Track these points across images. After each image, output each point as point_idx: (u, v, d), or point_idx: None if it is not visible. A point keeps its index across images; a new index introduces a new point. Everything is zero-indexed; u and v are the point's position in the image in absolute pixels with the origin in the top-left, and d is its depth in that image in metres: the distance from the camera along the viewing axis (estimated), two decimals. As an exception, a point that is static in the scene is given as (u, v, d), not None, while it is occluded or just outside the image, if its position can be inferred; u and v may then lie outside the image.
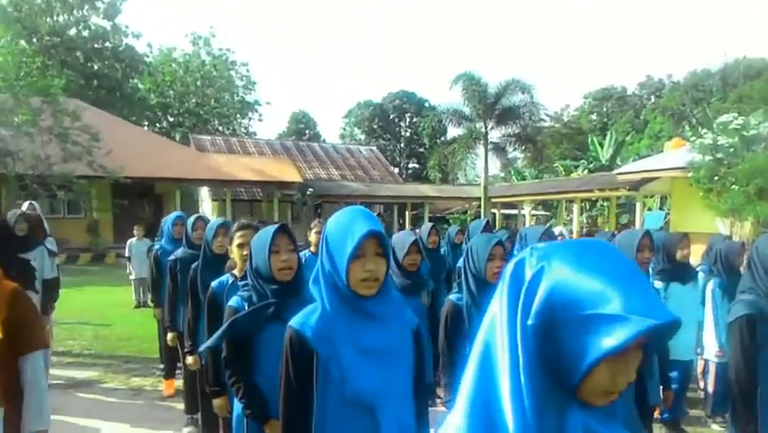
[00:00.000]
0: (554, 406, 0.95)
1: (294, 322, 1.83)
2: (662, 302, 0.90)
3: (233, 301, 2.57)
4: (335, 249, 1.78)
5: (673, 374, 4.84)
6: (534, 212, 30.11)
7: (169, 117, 45.09)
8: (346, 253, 1.74)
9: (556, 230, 6.55)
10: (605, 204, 26.74)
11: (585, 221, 28.75)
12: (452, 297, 3.08)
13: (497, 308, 0.99)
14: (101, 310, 10.64)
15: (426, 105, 48.35)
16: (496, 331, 0.98)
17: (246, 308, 2.48)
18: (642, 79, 50.40)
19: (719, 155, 14.80)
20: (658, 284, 4.81)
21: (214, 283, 3.17)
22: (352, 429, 1.79)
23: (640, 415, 2.51)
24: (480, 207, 25.23)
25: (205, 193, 28.91)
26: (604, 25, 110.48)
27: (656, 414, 5.03)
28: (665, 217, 22.62)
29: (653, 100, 46.39)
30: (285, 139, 39.85)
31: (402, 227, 26.60)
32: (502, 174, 38.44)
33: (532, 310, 0.95)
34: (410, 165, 51.50)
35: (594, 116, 48.91)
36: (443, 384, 3.04)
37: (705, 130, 16.36)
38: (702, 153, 15.14)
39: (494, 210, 28.83)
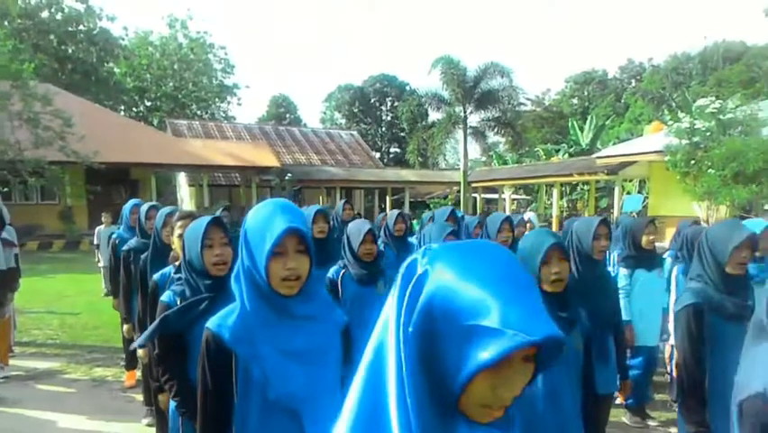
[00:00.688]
0: (439, 417, 0.88)
1: (211, 323, 1.72)
2: (546, 316, 0.82)
3: (165, 296, 2.46)
4: (255, 245, 1.66)
5: (638, 360, 4.83)
6: (514, 196, 30.16)
7: (146, 102, 44.41)
8: (265, 250, 1.63)
9: (526, 216, 6.49)
10: (585, 188, 26.83)
11: (566, 205, 28.87)
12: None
13: (389, 309, 0.92)
14: (70, 299, 10.46)
15: (408, 88, 48.09)
16: (388, 333, 0.91)
17: (178, 303, 2.37)
18: (623, 63, 50.63)
19: (696, 139, 14.86)
20: (623, 271, 4.77)
21: (156, 276, 3.05)
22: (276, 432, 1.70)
23: (587, 405, 2.45)
24: (459, 191, 25.21)
25: (182, 179, 28.56)
26: (585, 9, 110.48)
27: (621, 400, 5.03)
28: (644, 201, 22.76)
29: (633, 84, 46.53)
30: (264, 123, 39.43)
31: (383, 212, 26.53)
32: (484, 159, 38.44)
33: (413, 317, 0.87)
34: (391, 150, 51.27)
35: (575, 100, 48.95)
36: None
37: (683, 114, 16.41)
38: (679, 137, 15.20)
39: (475, 195, 28.83)
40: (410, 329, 0.86)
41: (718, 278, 2.56)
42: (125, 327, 4.68)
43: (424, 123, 27.88)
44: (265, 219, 1.66)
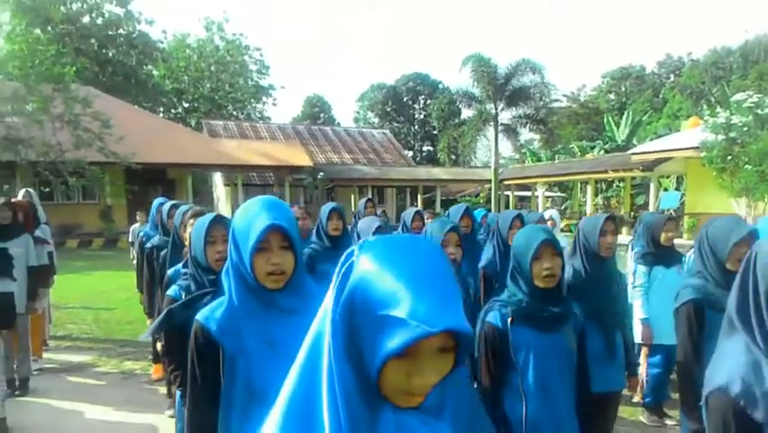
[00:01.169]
0: (366, 404, 0.93)
1: (200, 315, 1.80)
2: (455, 310, 0.86)
3: (171, 291, 2.57)
4: (241, 241, 1.73)
5: (656, 359, 4.78)
6: (548, 193, 29.82)
7: (183, 103, 45.33)
8: (249, 245, 1.70)
9: (546, 214, 6.45)
10: (620, 185, 26.39)
11: (601, 202, 28.42)
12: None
13: (327, 299, 0.98)
14: (106, 295, 10.80)
15: (440, 86, 47.97)
16: (325, 322, 0.97)
17: (183, 297, 2.47)
18: (661, 58, 49.49)
19: (732, 134, 14.51)
20: (642, 268, 4.72)
21: (170, 271, 3.17)
22: (257, 424, 1.77)
23: (582, 402, 2.46)
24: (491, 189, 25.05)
25: (218, 178, 29.10)
26: (622, 3, 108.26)
27: (638, 398, 4.98)
28: (681, 198, 22.27)
29: (672, 79, 45.46)
30: (297, 123, 39.86)
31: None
32: (517, 156, 38.08)
33: (338, 307, 0.93)
34: (424, 148, 51.20)
35: (612, 96, 48.08)
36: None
37: (719, 109, 16.03)
38: (715, 133, 14.87)
39: (507, 192, 28.62)
40: (336, 318, 0.92)
41: (719, 274, 2.53)
42: (148, 321, 4.84)
43: (456, 120, 27.74)
44: (250, 216, 1.72)
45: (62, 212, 21.46)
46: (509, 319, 2.33)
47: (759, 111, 14.19)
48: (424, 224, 5.84)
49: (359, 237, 3.68)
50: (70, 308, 9.31)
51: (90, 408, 4.97)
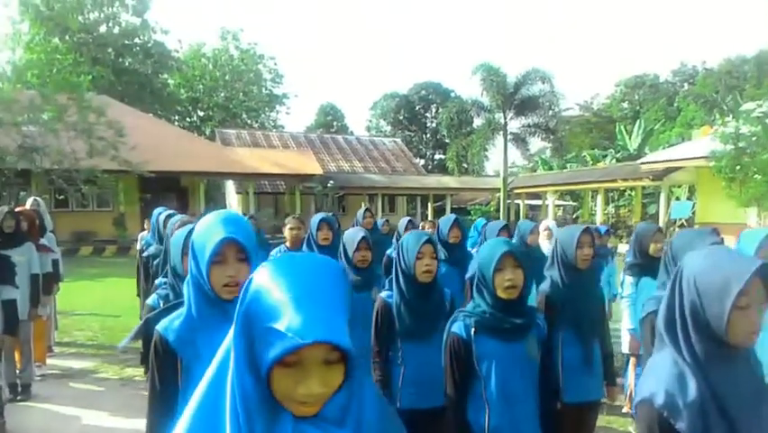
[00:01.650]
0: (266, 411, 1.00)
1: (159, 325, 1.87)
2: (332, 324, 0.92)
3: (151, 300, 2.65)
4: (199, 254, 1.80)
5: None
6: (559, 202, 29.72)
7: (198, 112, 45.80)
8: (206, 258, 1.77)
9: (543, 224, 6.47)
10: (632, 194, 26.25)
11: (613, 211, 28.27)
12: (384, 294, 3.10)
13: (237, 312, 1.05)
14: (114, 301, 10.93)
15: (452, 95, 48.05)
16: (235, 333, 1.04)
17: (161, 305, 2.56)
18: (675, 67, 49.20)
19: (741, 144, 14.40)
20: (629, 279, 4.74)
21: (158, 280, 3.26)
22: None
23: (547, 412, 2.52)
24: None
25: (230, 186, 29.37)
26: (636, 12, 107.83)
27: (628, 408, 4.99)
28: (693, 208, 22.08)
29: (686, 87, 45.16)
30: (309, 132, 40.12)
31: (425, 219, 26.58)
32: (530, 165, 38.00)
33: (238, 317, 1.02)
34: (436, 156, 51.25)
35: (626, 104, 47.85)
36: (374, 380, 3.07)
37: (727, 118, 15.94)
38: (724, 142, 14.76)
39: (518, 201, 28.57)
40: (237, 329, 1.01)
41: (682, 286, 2.57)
42: (145, 328, 4.94)
43: (468, 129, 27.82)
44: (207, 230, 1.80)
45: (77, 219, 21.81)
46: (473, 330, 2.39)
47: (768, 120, 14.08)
48: (390, 229, 5.94)
49: (344, 248, 3.75)
50: (78, 314, 9.47)
51: (88, 413, 5.08)
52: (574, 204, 31.91)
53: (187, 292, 1.86)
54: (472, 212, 26.65)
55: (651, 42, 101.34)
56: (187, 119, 45.20)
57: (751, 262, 1.49)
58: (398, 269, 3.02)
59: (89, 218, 22.71)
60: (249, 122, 45.29)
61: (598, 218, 22.73)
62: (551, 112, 23.58)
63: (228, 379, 1.02)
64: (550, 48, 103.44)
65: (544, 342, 2.51)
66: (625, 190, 26.95)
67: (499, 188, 25.93)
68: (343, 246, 3.78)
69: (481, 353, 2.39)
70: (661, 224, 21.37)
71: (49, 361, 6.53)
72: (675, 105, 40.51)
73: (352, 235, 3.76)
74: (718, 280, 1.48)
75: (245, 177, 25.11)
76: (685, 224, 21.48)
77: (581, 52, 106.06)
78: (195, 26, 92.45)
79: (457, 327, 2.44)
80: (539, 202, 30.00)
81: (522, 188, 26.47)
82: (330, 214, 4.84)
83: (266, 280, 0.98)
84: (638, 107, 45.46)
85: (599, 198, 23.42)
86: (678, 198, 24.52)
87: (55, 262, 6.60)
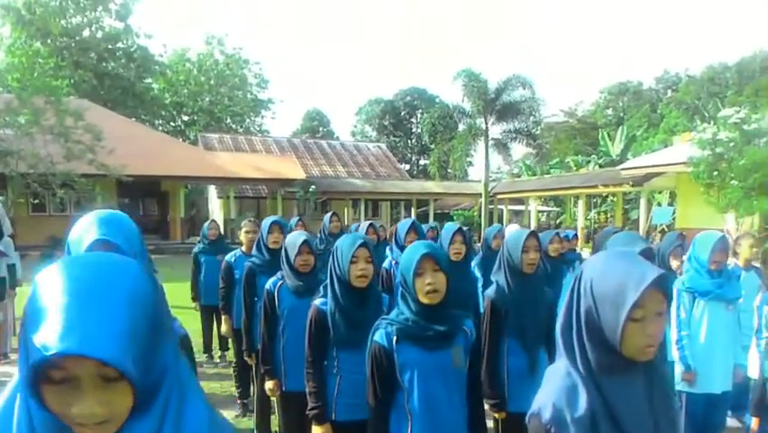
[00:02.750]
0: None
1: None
2: (90, 334, 0.79)
3: None
4: (74, 254, 1.71)
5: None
6: (541, 208, 29.78)
7: (183, 116, 45.51)
8: None
9: (508, 228, 6.40)
10: (614, 199, 26.36)
11: (595, 217, 28.34)
12: (317, 301, 2.98)
13: None
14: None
15: (437, 101, 48.19)
16: None
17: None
18: (659, 74, 49.62)
19: (719, 150, 14.45)
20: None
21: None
22: None
23: (474, 422, 2.42)
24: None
25: (212, 191, 29.17)
26: (621, 20, 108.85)
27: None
28: (674, 213, 22.18)
29: (669, 94, 45.57)
30: (293, 137, 40.02)
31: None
32: (515, 170, 38.10)
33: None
34: (421, 162, 51.34)
35: (610, 111, 48.19)
36: (308, 391, 2.93)
37: (705, 125, 16.02)
38: (702, 148, 14.81)
39: (501, 207, 28.58)
40: (20, 341, 0.90)
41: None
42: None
43: (451, 134, 27.86)
44: (80, 231, 1.68)
45: (54, 223, 21.42)
46: (394, 338, 2.29)
47: (745, 126, 14.15)
48: (378, 236, 5.83)
49: (286, 253, 3.63)
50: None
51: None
52: (557, 209, 32.01)
53: None
54: (455, 217, 26.62)
55: (635, 50, 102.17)
56: (171, 123, 44.90)
57: (649, 271, 1.38)
58: (333, 274, 2.91)
59: (67, 222, 22.29)
60: (234, 126, 45.05)
61: (580, 224, 22.76)
62: (532, 118, 23.66)
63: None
64: (536, 55, 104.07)
65: (473, 349, 2.40)
66: (607, 196, 27.05)
67: (481, 194, 25.95)
68: (285, 251, 3.65)
69: (403, 362, 2.29)
70: (641, 229, 21.46)
71: (4, 368, 6.35)
72: (658, 111, 40.88)
73: (294, 239, 3.63)
74: (614, 287, 1.39)
75: (227, 181, 24.90)
76: (666, 229, 21.58)
77: (567, 60, 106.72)
78: (179, 31, 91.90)
79: (379, 335, 2.33)
80: (522, 208, 30.05)
81: (504, 193, 26.47)
82: (295, 218, 4.72)
83: (39, 286, 0.86)
84: (622, 114, 45.82)
85: (581, 204, 23.45)
86: (659, 204, 24.63)
87: (11, 268, 6.45)
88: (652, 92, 48.25)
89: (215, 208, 29.35)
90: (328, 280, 2.96)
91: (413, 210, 28.89)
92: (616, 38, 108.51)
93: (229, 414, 5.31)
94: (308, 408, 2.88)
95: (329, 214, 6.84)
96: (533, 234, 3.31)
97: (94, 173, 19.56)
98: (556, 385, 1.42)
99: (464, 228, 4.51)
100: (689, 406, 3.89)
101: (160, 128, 40.87)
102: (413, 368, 2.28)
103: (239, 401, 5.37)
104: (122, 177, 19.72)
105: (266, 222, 4.42)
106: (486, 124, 23.19)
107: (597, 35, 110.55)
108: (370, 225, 6.12)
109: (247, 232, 5.13)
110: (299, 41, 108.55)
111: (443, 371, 2.30)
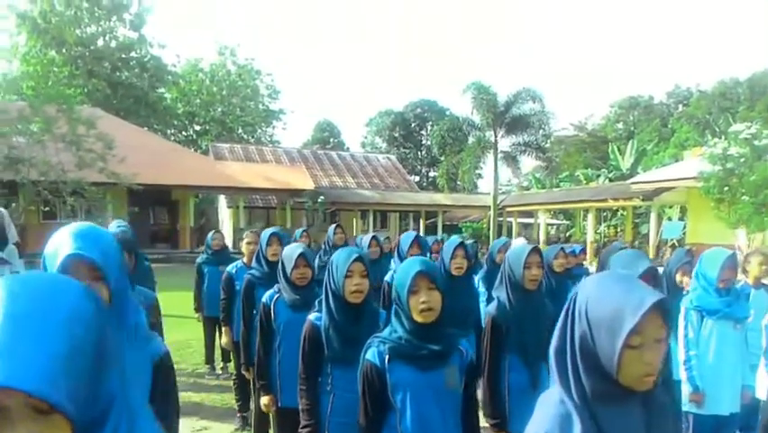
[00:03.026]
0: None
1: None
2: (21, 363, 0.73)
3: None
4: (50, 269, 1.64)
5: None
6: (550, 221, 29.60)
7: (195, 126, 45.79)
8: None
9: (515, 242, 6.32)
10: (624, 213, 26.19)
11: (605, 231, 28.15)
12: (312, 316, 2.92)
13: None
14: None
15: (448, 113, 48.24)
16: None
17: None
18: (670, 88, 49.44)
19: (729, 165, 14.32)
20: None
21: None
22: None
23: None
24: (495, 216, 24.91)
25: (222, 200, 29.27)
26: (632, 34, 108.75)
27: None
28: (684, 228, 21.98)
29: (680, 109, 45.35)
30: (303, 148, 40.12)
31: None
32: (525, 183, 37.98)
33: None
34: (431, 174, 51.30)
35: (620, 125, 47.99)
36: (301, 408, 2.87)
37: (716, 139, 15.89)
38: (712, 163, 14.69)
39: (510, 219, 28.45)
40: None
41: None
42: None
43: (461, 147, 27.83)
44: (56, 245, 1.62)
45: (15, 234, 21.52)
46: (386, 357, 2.22)
47: (756, 142, 14.02)
48: (381, 250, 5.77)
49: (282, 266, 3.57)
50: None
51: None
52: (567, 223, 31.81)
53: None
54: (464, 229, 26.53)
55: (646, 64, 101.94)
56: (183, 133, 45.19)
57: (648, 295, 1.30)
58: (327, 289, 2.84)
59: (77, 231, 22.49)
60: (245, 137, 45.25)
61: (589, 237, 22.59)
62: (542, 131, 23.58)
63: None
64: (547, 69, 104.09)
65: (468, 369, 2.33)
66: (617, 210, 26.88)
67: (490, 206, 25.86)
68: (282, 263, 3.59)
69: (396, 382, 2.22)
70: (651, 243, 21.26)
71: None
72: (669, 126, 40.66)
73: (290, 252, 3.56)
74: (610, 312, 1.31)
75: (236, 191, 24.97)
76: (676, 244, 21.37)
77: (577, 73, 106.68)
78: (192, 41, 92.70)
79: (371, 353, 2.26)
80: (531, 220, 29.89)
81: (513, 206, 26.34)
82: (280, 229, 4.67)
83: None
84: (632, 128, 45.61)
85: (591, 218, 23.29)
86: (670, 219, 24.42)
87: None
88: (662, 106, 48.04)
89: (225, 218, 29.42)
90: (323, 295, 2.89)
91: (422, 222, 28.82)
92: (627, 52, 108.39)
93: (228, 427, 5.25)
94: (301, 426, 2.82)
95: (333, 225, 6.77)
96: (535, 249, 3.24)
97: (105, 181, 19.67)
98: (549, 413, 1.35)
99: (467, 242, 4.43)
100: (696, 428, 3.79)
101: (172, 137, 41.11)
102: (405, 388, 2.21)
103: (238, 415, 5.30)
104: (132, 185, 19.82)
105: (265, 234, 4.36)
106: (495, 136, 23.14)
107: (608, 49, 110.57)
108: (373, 237, 6.06)
109: (249, 243, 5.07)
110: (311, 52, 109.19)
111: (436, 391, 2.22)
